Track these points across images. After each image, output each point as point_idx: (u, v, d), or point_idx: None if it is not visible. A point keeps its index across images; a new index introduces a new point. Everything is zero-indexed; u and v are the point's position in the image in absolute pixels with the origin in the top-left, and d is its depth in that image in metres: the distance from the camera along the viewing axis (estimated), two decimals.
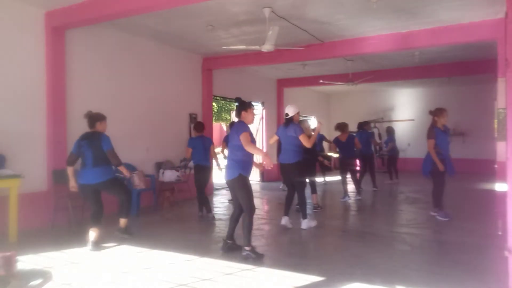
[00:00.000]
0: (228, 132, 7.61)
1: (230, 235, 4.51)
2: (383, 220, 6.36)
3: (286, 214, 5.71)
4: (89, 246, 4.63)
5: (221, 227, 5.84)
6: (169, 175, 7.46)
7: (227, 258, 4.28)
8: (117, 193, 4.96)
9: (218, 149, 7.60)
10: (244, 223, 4.28)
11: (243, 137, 4.15)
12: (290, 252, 4.57)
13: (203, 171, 6.43)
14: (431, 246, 4.91)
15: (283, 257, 4.36)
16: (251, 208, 4.25)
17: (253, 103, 4.62)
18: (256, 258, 4.18)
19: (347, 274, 3.76)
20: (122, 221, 5.08)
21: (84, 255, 4.47)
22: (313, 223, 5.70)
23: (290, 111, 5.61)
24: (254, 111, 4.50)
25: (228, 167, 4.37)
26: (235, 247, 4.47)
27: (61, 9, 5.71)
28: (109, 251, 4.59)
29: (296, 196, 5.75)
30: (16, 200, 4.97)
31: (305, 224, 5.57)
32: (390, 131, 11.37)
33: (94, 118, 4.84)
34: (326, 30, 7.05)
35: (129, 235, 5.10)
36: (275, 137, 5.88)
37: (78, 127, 6.27)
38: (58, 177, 5.80)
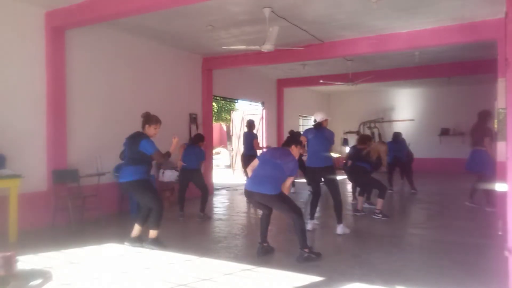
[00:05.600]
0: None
1: (264, 237, 4.52)
2: (383, 220, 6.34)
3: (312, 218, 5.68)
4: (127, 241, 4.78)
5: (221, 227, 5.85)
6: (169, 175, 7.45)
7: (227, 258, 4.28)
8: (142, 199, 4.76)
9: (218, 149, 7.59)
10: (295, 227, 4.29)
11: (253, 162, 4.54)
12: (290, 252, 4.56)
13: (197, 173, 6.54)
14: (431, 246, 4.90)
15: (283, 257, 4.36)
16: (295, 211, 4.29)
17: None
18: (316, 257, 4.21)
19: (347, 274, 3.76)
20: (151, 232, 4.70)
21: (84, 255, 4.47)
22: (347, 230, 5.46)
23: (318, 117, 5.63)
24: (300, 150, 4.56)
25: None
26: (270, 249, 4.52)
27: (61, 9, 5.71)
28: (109, 251, 4.59)
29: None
30: (16, 200, 4.96)
31: (340, 229, 5.40)
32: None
33: (145, 119, 4.79)
34: (326, 30, 7.04)
35: (160, 246, 4.68)
36: (304, 138, 5.77)
37: (78, 127, 6.31)
38: (58, 177, 5.81)
